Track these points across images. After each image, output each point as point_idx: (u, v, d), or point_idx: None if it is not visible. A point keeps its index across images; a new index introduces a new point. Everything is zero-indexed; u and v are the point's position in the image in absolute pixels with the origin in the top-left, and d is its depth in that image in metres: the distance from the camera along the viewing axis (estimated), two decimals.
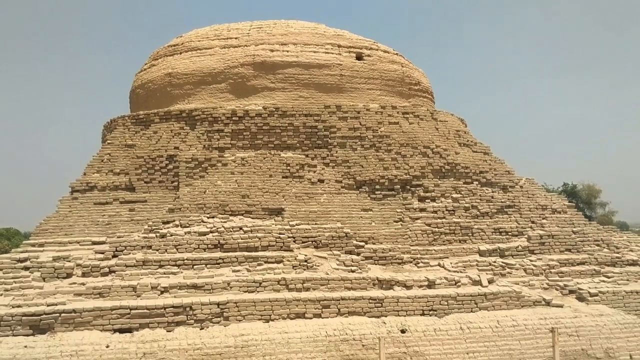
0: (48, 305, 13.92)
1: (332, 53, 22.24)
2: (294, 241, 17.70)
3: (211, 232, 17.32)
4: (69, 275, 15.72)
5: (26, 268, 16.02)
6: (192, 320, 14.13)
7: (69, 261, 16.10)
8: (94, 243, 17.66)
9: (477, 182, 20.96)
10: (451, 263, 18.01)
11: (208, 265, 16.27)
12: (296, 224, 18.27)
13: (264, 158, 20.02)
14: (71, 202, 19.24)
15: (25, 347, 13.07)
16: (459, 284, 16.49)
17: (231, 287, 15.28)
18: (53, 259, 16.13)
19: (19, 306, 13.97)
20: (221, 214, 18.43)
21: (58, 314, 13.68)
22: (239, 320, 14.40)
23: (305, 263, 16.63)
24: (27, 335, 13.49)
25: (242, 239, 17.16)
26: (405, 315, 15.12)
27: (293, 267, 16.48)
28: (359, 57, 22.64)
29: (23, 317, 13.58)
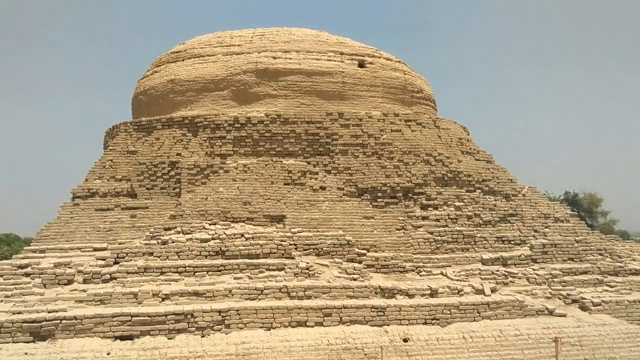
0: (49, 312, 13.87)
1: (335, 60, 22.25)
2: (296, 248, 17.65)
3: (213, 239, 17.27)
4: (70, 282, 15.68)
5: (27, 274, 15.99)
6: (194, 328, 14.07)
7: (70, 267, 16.06)
8: (95, 249, 17.62)
9: (479, 191, 20.92)
10: (454, 272, 17.95)
11: (209, 273, 16.22)
12: (298, 232, 18.22)
13: (266, 165, 19.99)
14: (72, 208, 19.20)
15: (26, 354, 13.03)
16: (462, 292, 16.42)
17: (233, 295, 15.22)
18: (54, 265, 16.09)
19: (19, 313, 13.92)
20: (223, 221, 18.39)
21: (59, 321, 13.63)
22: (241, 328, 14.35)
23: (307, 271, 16.58)
24: (28, 342, 13.44)
25: (243, 246, 17.11)
26: (407, 324, 15.07)
27: (295, 274, 16.42)
28: (362, 65, 22.66)
29: (23, 324, 13.53)
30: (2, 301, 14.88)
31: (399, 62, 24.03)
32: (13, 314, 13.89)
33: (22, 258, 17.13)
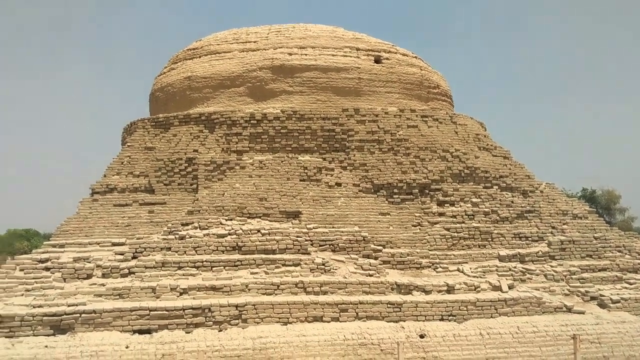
0: (69, 306, 14.07)
1: (351, 56, 22.22)
2: (312, 244, 17.68)
3: (229, 234, 17.37)
4: (89, 276, 15.88)
5: (47, 268, 16.20)
6: (211, 322, 14.18)
7: (89, 262, 16.26)
8: (114, 244, 17.78)
9: (496, 187, 20.79)
10: (470, 268, 17.86)
11: (226, 267, 16.32)
12: (313, 227, 18.25)
13: (282, 161, 20.05)
14: (91, 203, 19.41)
15: (46, 347, 13.23)
16: (479, 289, 16.37)
17: (249, 290, 15.31)
18: (73, 259, 16.30)
19: (40, 306, 14.15)
20: (239, 217, 18.47)
21: (78, 314, 13.82)
22: (257, 323, 14.44)
23: (323, 266, 16.60)
24: (48, 335, 13.65)
25: (260, 241, 17.19)
26: (424, 320, 15.05)
27: (310, 270, 16.46)
28: (378, 61, 22.59)
29: (44, 317, 13.75)
30: (22, 295, 15.13)
31: (416, 57, 23.94)
32: (34, 307, 14.11)
33: (42, 252, 17.35)
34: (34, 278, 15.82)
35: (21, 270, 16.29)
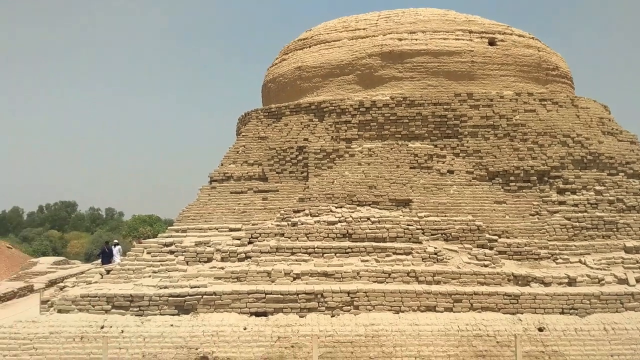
0: (191, 287, 14.93)
1: (463, 39, 21.50)
2: (423, 233, 17.43)
3: (339, 221, 17.55)
4: (209, 260, 16.71)
5: (171, 252, 17.23)
6: (324, 308, 14.47)
7: (210, 246, 17.10)
8: (231, 230, 18.57)
9: (623, 174, 19.35)
10: (593, 260, 16.83)
11: (337, 254, 16.52)
12: (425, 216, 17.97)
13: (391, 148, 19.88)
14: (210, 191, 20.38)
15: (172, 325, 14.16)
16: (603, 282, 15.43)
17: (360, 277, 15.43)
18: (195, 244, 17.22)
19: (165, 287, 15.12)
20: (349, 204, 18.58)
21: (200, 296, 14.65)
22: (369, 310, 14.53)
23: (435, 256, 16.35)
24: (173, 314, 14.60)
25: (369, 229, 17.22)
26: (542, 313, 14.44)
27: (422, 259, 16.27)
28: (492, 43, 21.68)
29: (169, 298, 14.70)
30: (150, 276, 16.24)
31: (533, 38, 22.73)
32: (160, 288, 15.12)
33: (167, 237, 18.48)
34: (159, 261, 16.90)
35: (148, 253, 17.45)
